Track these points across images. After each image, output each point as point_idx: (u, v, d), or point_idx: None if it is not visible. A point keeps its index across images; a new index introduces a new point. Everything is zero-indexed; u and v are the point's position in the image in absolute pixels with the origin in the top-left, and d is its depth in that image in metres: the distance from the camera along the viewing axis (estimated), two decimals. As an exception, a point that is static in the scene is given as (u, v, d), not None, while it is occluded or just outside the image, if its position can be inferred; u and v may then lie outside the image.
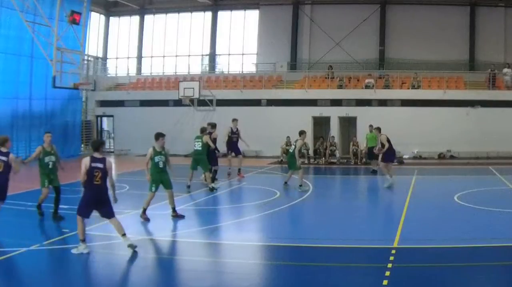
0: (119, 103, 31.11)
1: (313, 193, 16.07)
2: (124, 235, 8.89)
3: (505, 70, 27.47)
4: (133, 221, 11.84)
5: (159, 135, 11.89)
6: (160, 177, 11.62)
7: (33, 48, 24.96)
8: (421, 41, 30.47)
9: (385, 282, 7.20)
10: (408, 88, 28.09)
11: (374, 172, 20.56)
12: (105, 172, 8.76)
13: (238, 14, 35.14)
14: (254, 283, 7.72)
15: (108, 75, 35.69)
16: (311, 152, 26.01)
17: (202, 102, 28.41)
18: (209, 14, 35.27)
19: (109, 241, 9.87)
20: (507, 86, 27.23)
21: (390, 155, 17.43)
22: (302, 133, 16.65)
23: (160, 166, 11.54)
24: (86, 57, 27.59)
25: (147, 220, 11.50)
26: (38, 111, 26.80)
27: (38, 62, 25.53)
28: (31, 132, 25.95)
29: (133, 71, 35.60)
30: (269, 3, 33.77)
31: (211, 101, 28.54)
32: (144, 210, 11.64)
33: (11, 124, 25.16)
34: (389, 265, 7.95)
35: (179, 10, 35.56)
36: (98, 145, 9.05)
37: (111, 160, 9.25)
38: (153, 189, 11.62)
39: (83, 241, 8.72)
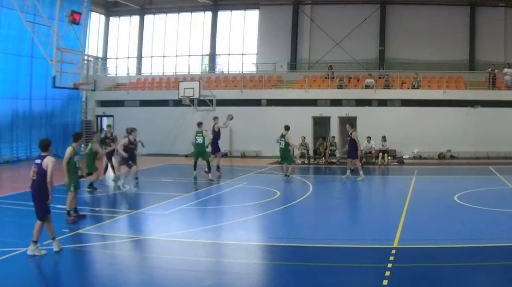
0: (119, 103, 31.12)
1: (313, 193, 16.07)
2: (35, 242, 8.64)
3: (506, 70, 27.45)
4: (133, 221, 11.87)
5: (81, 136, 11.92)
6: (75, 177, 11.44)
7: (33, 48, 24.96)
8: (421, 41, 30.47)
9: (385, 282, 7.20)
10: (408, 88, 28.08)
11: (353, 171, 20.42)
12: (40, 169, 8.61)
13: (238, 14, 35.14)
14: (254, 283, 7.72)
15: (108, 75, 35.71)
16: (311, 152, 26.00)
17: (202, 102, 28.40)
18: (209, 14, 35.29)
19: (109, 241, 9.88)
20: (507, 86, 27.21)
21: (354, 152, 19.35)
22: (288, 128, 18.44)
23: (76, 166, 11.41)
24: (86, 57, 27.58)
25: (78, 217, 11.29)
26: (38, 111, 26.81)
27: (38, 62, 25.54)
28: (31, 132, 25.95)
29: (133, 71, 35.61)
30: (269, 3, 33.77)
31: (211, 101, 28.54)
32: (69, 212, 11.35)
33: (11, 124, 25.19)
34: (389, 265, 7.95)
35: (179, 10, 35.61)
36: (46, 145, 8.95)
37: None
38: (72, 188, 11.35)
39: (35, 242, 8.57)
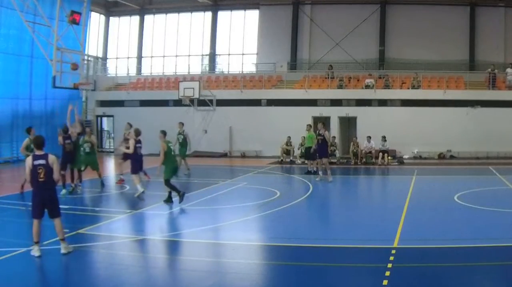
0: (119, 103, 31.12)
1: (313, 193, 16.06)
2: (63, 240, 8.69)
3: (508, 70, 27.43)
4: (133, 221, 11.87)
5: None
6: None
7: (33, 48, 24.98)
8: (421, 41, 30.49)
9: (385, 282, 7.20)
10: (408, 88, 28.08)
11: (309, 173, 20.11)
12: (49, 168, 8.43)
13: (238, 14, 35.17)
14: (254, 283, 7.71)
15: (108, 75, 35.71)
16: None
17: (202, 102, 28.44)
18: (209, 14, 35.30)
19: (109, 241, 9.87)
20: (509, 86, 27.19)
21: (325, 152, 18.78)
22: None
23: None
24: (86, 57, 27.57)
25: None
26: (38, 111, 26.81)
27: (38, 62, 25.56)
28: (31, 132, 25.90)
29: (133, 71, 35.62)
30: (269, 3, 33.78)
31: (211, 101, 28.58)
32: None
33: (11, 124, 25.20)
34: (389, 265, 7.95)
35: (179, 10, 35.62)
36: (43, 142, 8.61)
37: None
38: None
39: (37, 243, 8.47)
